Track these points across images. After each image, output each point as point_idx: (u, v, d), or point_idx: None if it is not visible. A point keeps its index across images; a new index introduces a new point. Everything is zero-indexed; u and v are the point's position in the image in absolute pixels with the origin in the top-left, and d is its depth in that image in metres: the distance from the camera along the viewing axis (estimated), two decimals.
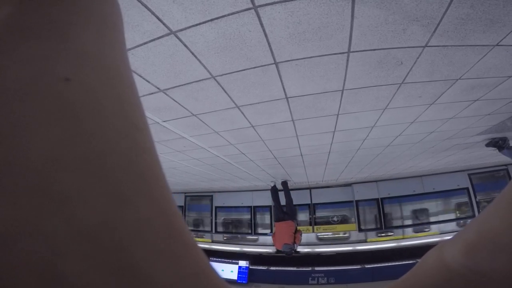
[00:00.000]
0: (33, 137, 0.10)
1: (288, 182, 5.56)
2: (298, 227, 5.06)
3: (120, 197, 0.11)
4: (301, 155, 3.55)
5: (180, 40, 1.22)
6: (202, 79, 1.56)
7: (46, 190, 0.09)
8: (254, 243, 7.35)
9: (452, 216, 6.28)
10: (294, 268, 6.79)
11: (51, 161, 0.10)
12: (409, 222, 6.55)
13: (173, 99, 1.79)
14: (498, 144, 3.31)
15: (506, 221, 0.13)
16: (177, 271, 0.11)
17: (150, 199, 0.12)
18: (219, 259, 7.39)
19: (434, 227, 6.39)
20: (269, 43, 1.27)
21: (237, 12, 1.07)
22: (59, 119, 0.11)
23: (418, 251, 5.97)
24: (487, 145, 3.40)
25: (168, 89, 1.66)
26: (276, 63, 1.44)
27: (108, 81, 0.13)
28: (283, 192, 5.32)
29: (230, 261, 7.29)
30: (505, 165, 5.77)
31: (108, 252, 0.10)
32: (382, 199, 6.62)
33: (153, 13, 1.05)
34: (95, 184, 0.10)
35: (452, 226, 6.24)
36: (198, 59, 1.36)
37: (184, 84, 1.61)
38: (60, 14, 0.13)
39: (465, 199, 6.15)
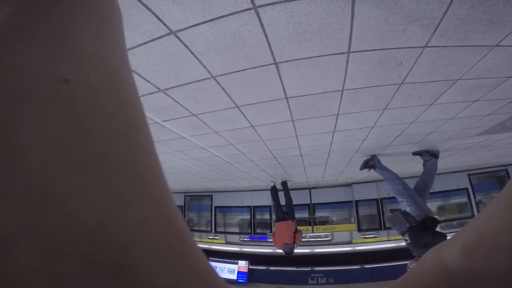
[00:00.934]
0: (32, 137, 0.10)
1: (288, 182, 5.55)
2: (298, 227, 5.06)
3: (120, 197, 0.11)
4: (301, 155, 3.55)
5: (180, 40, 1.22)
6: (202, 79, 1.56)
7: (46, 190, 0.09)
8: (254, 243, 7.34)
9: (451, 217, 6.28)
10: (294, 268, 6.79)
11: (51, 161, 0.10)
12: None
13: (173, 99, 1.79)
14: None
15: (505, 221, 0.13)
16: (176, 272, 0.11)
17: (150, 199, 0.12)
18: (219, 259, 7.39)
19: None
20: (269, 43, 1.27)
21: (237, 12, 1.07)
22: (58, 120, 0.11)
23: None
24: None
25: (168, 89, 1.66)
26: (276, 63, 1.44)
27: (108, 81, 0.13)
28: (282, 192, 5.32)
29: (230, 261, 7.29)
30: (505, 165, 5.78)
31: (108, 252, 0.10)
32: (381, 199, 6.62)
33: (153, 13, 1.05)
34: (94, 184, 0.10)
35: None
36: (198, 59, 1.36)
37: (184, 84, 1.61)
38: (60, 14, 0.13)
39: (464, 199, 6.14)
